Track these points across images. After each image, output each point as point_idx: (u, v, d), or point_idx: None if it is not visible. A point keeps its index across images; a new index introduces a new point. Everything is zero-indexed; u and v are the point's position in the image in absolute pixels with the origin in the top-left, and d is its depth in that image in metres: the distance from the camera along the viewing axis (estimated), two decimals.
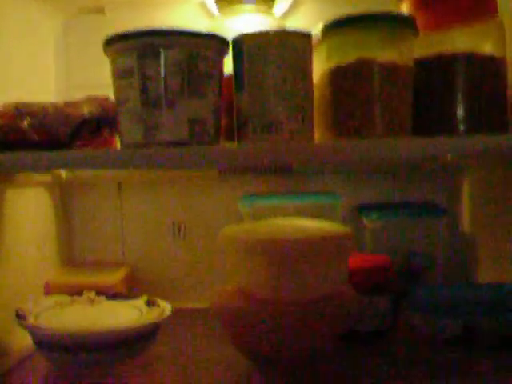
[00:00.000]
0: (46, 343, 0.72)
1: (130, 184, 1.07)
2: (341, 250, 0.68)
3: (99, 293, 0.84)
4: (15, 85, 0.85)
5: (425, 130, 0.67)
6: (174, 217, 1.07)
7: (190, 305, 1.02)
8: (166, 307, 0.79)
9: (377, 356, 0.73)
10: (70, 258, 1.08)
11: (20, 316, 0.74)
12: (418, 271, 0.94)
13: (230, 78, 0.69)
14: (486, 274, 0.93)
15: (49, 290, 0.93)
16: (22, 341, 0.77)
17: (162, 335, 0.79)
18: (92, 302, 0.83)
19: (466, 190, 1.02)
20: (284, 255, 0.65)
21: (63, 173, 1.02)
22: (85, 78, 1.02)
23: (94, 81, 0.89)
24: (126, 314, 0.78)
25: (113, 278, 0.96)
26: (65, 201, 1.07)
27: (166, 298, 0.82)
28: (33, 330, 0.72)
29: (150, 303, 0.81)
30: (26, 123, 0.66)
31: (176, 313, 0.97)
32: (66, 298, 0.83)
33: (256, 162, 0.62)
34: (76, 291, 0.85)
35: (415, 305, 0.74)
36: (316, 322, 0.66)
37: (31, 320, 0.73)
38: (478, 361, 0.68)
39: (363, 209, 0.98)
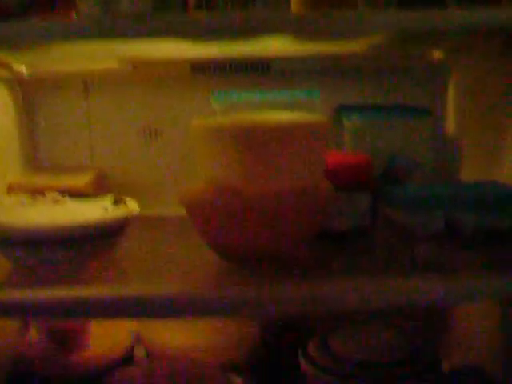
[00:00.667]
0: (5, 240, 0.67)
1: (97, 84, 1.00)
2: (317, 138, 0.63)
3: (63, 193, 0.80)
4: None
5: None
6: (145, 119, 1.01)
7: (162, 211, 0.98)
8: (133, 206, 0.74)
9: (355, 254, 0.70)
10: (34, 163, 1.02)
11: None
12: (401, 174, 0.90)
13: None
14: (470, 177, 0.89)
15: (11, 191, 0.88)
16: None
17: (131, 238, 0.75)
18: (55, 201, 0.78)
19: (451, 91, 0.97)
20: (256, 141, 0.60)
21: (24, 69, 0.95)
22: None
23: None
24: (91, 212, 0.73)
25: (79, 180, 0.91)
26: (27, 101, 1.00)
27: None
28: None
29: (116, 202, 0.76)
30: None
31: (147, 219, 0.94)
32: (27, 198, 0.78)
33: (225, 33, 0.55)
34: (40, 192, 0.80)
35: (396, 201, 0.70)
36: (290, 214, 0.61)
37: None
38: (459, 257, 0.65)
39: (343, 109, 0.93)
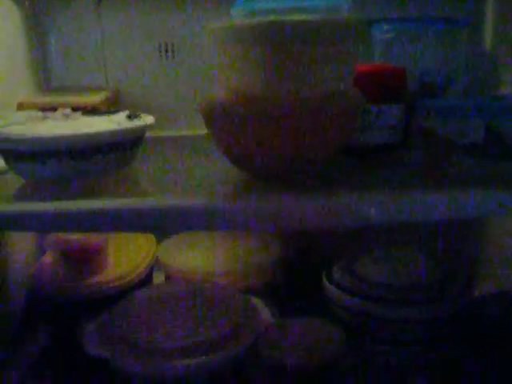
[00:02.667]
0: (15, 153, 0.64)
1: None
2: (348, 37, 0.57)
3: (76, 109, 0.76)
4: None
5: None
6: (161, 35, 0.95)
7: (180, 131, 0.94)
8: (148, 119, 0.70)
9: (387, 168, 0.65)
10: (46, 85, 0.98)
11: None
12: (434, 90, 0.84)
13: None
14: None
15: (22, 110, 0.84)
16: None
17: (147, 155, 0.72)
18: (67, 117, 0.74)
19: (490, 3, 0.89)
20: (279, 40, 0.54)
21: None
22: None
23: None
24: (105, 125, 0.69)
25: (93, 98, 0.86)
26: (38, 20, 0.95)
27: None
28: None
29: (131, 117, 0.72)
30: None
31: (164, 139, 0.90)
32: (38, 114, 0.74)
33: None
34: (51, 110, 0.76)
35: (432, 111, 0.65)
36: (315, 123, 0.56)
37: None
38: (498, 167, 0.60)
39: (373, 22, 0.86)
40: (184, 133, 0.93)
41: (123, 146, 0.65)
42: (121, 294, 0.80)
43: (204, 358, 0.66)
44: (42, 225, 0.58)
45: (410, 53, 0.84)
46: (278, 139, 0.57)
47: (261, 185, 0.60)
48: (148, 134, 0.68)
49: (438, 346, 0.75)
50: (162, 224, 0.55)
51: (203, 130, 0.63)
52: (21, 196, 0.65)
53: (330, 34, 0.56)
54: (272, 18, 0.58)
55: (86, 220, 0.56)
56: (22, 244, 0.88)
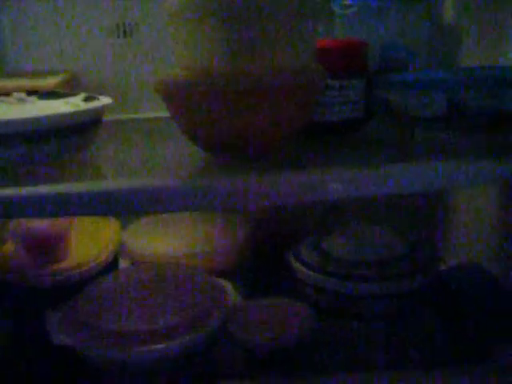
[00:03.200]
0: None
1: None
2: (308, 9, 0.56)
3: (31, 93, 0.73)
4: None
5: None
6: (118, 16, 0.93)
7: (138, 115, 0.92)
8: (105, 100, 0.68)
9: (351, 143, 0.65)
10: (1, 69, 0.95)
11: None
12: (396, 66, 0.83)
13: None
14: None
15: None
16: None
17: (106, 138, 0.71)
18: (22, 101, 0.71)
19: None
20: (237, 13, 0.53)
21: None
22: None
23: None
24: (61, 108, 0.67)
25: (48, 82, 0.83)
26: None
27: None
28: None
29: (88, 99, 0.70)
30: None
31: (122, 122, 0.88)
32: None
33: None
34: (4, 94, 0.73)
35: (394, 86, 0.64)
36: (275, 97, 0.55)
37: None
38: (460, 139, 0.60)
39: None
40: (144, 115, 0.90)
41: (80, 129, 0.63)
42: (85, 280, 0.78)
43: (170, 342, 0.65)
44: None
45: (371, 28, 0.83)
46: (236, 116, 0.55)
47: (222, 163, 0.59)
48: (108, 117, 0.66)
49: (405, 319, 0.76)
50: (122, 207, 0.54)
51: (164, 112, 0.61)
52: None
53: (286, 6, 0.54)
54: None
55: (47, 204, 0.54)
56: None
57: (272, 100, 0.55)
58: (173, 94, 0.57)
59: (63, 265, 0.80)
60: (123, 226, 0.91)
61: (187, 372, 0.69)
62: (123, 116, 0.89)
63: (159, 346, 0.64)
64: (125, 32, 0.93)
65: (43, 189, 0.55)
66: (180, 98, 0.56)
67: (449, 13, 0.90)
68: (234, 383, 0.68)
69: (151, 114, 0.91)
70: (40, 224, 0.81)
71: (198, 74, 0.55)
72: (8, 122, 0.59)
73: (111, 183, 0.56)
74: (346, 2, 0.83)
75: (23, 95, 0.72)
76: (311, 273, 0.76)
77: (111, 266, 0.85)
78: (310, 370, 0.69)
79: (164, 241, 0.88)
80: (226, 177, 0.54)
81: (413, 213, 0.94)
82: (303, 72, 0.57)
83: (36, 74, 0.91)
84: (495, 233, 0.81)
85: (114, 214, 0.87)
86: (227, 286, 0.78)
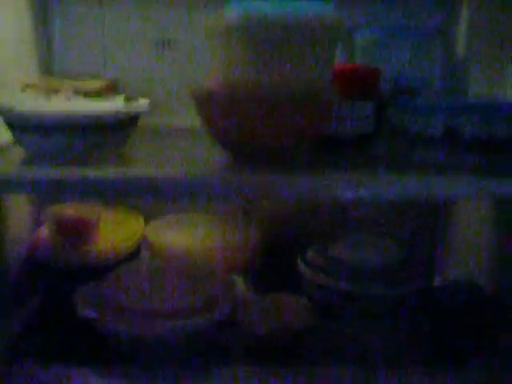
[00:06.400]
0: (19, 126, 0.70)
1: None
2: (327, 33, 0.64)
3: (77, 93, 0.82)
4: None
5: None
6: (159, 28, 1.02)
7: (175, 122, 1.00)
8: (143, 101, 0.76)
9: (360, 155, 0.72)
10: (48, 68, 1.04)
11: None
12: (410, 93, 0.91)
13: None
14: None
15: (26, 91, 0.90)
16: None
17: (141, 139, 0.79)
18: (70, 99, 0.80)
19: (464, 10, 0.97)
20: (266, 35, 0.62)
21: None
22: None
23: None
24: (103, 106, 0.75)
25: (93, 84, 0.92)
26: (43, 7, 1.01)
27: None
28: (7, 112, 0.70)
29: (128, 100, 0.78)
30: None
31: (160, 129, 0.97)
32: (42, 96, 0.81)
33: None
34: (54, 92, 0.82)
35: (400, 108, 0.72)
36: (294, 110, 0.63)
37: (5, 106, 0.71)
38: (456, 159, 0.67)
39: (355, 27, 0.93)
40: (179, 122, 0.99)
41: (120, 125, 0.71)
42: (111, 265, 0.86)
43: (183, 320, 0.72)
44: (39, 189, 0.64)
45: (389, 57, 0.91)
46: (260, 122, 0.64)
47: (243, 162, 0.67)
48: (144, 121, 0.75)
49: (401, 320, 0.82)
50: (147, 192, 0.62)
51: (196, 121, 0.70)
52: (23, 164, 0.72)
53: (309, 32, 0.63)
54: (257, 17, 0.65)
55: (81, 185, 0.63)
56: (19, 215, 0.94)
57: (288, 111, 0.63)
58: (203, 101, 0.66)
59: (92, 249, 0.88)
60: (146, 221, 0.99)
61: (197, 352, 0.76)
62: (158, 121, 0.97)
63: (173, 323, 0.72)
64: (165, 45, 1.02)
65: (77, 172, 0.64)
66: (209, 104, 0.65)
67: (460, 45, 0.97)
68: (240, 367, 0.75)
69: (185, 122, 0.99)
70: (73, 210, 0.90)
71: (227, 86, 0.64)
72: (56, 115, 0.68)
73: (139, 171, 0.64)
74: (366, 33, 0.91)
75: (70, 94, 0.81)
76: (316, 274, 0.83)
77: (134, 255, 0.93)
78: (309, 360, 0.76)
79: (182, 237, 0.95)
80: (245, 173, 0.62)
81: (413, 225, 1.01)
82: (317, 90, 0.65)
83: (81, 76, 1.00)
84: (490, 249, 0.87)
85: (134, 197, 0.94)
86: (238, 280, 0.85)
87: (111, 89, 0.98)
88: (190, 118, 0.86)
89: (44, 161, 0.69)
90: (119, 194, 0.63)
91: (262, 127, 0.64)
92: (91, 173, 0.63)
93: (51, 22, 1.03)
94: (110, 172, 0.63)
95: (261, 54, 0.63)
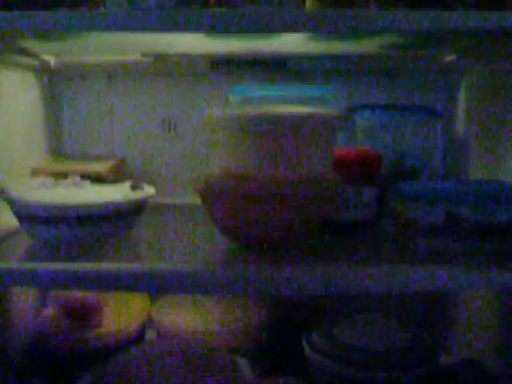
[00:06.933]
0: (27, 216, 0.72)
1: (120, 75, 1.05)
2: (327, 130, 0.66)
3: (85, 178, 0.84)
4: None
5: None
6: (165, 111, 1.05)
7: (178, 200, 1.02)
8: (150, 191, 0.78)
9: (360, 243, 0.73)
10: (57, 149, 1.07)
11: (2, 191, 0.74)
12: (410, 174, 0.92)
13: None
14: (477, 178, 0.92)
15: (34, 175, 0.92)
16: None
17: (147, 222, 0.81)
18: (77, 185, 0.82)
19: (462, 92, 0.99)
20: (268, 131, 0.63)
21: (52, 59, 0.99)
22: None
23: None
24: (110, 195, 0.77)
25: (100, 167, 0.95)
26: (53, 89, 1.05)
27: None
28: (14, 202, 0.72)
29: (134, 187, 0.80)
30: None
31: (163, 206, 0.98)
32: (50, 181, 0.83)
33: (245, 27, 0.59)
34: (62, 177, 0.85)
35: (401, 194, 0.73)
36: (297, 201, 0.65)
37: (13, 195, 0.73)
38: (458, 247, 0.68)
39: (357, 108, 0.96)
40: (182, 201, 1.01)
41: (126, 215, 0.73)
42: (117, 347, 0.86)
43: None
44: (46, 282, 0.65)
45: (390, 138, 0.93)
46: (264, 214, 0.65)
47: (249, 253, 0.68)
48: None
49: None
50: (153, 286, 0.62)
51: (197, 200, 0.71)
52: (29, 255, 0.73)
53: (312, 126, 0.65)
54: (260, 110, 0.67)
55: (86, 279, 0.63)
56: (24, 297, 0.95)
57: (291, 203, 0.65)
58: (207, 194, 0.67)
59: (97, 332, 0.88)
60: (152, 300, 1.00)
61: None
62: (164, 200, 0.99)
63: None
64: (169, 127, 1.05)
65: (82, 265, 0.64)
66: (213, 197, 0.66)
67: (460, 127, 0.99)
68: None
69: (188, 200, 1.01)
70: (78, 293, 0.90)
71: (231, 178, 0.66)
72: (64, 206, 0.69)
73: (143, 265, 0.65)
74: (367, 114, 0.93)
75: (78, 180, 0.83)
76: (322, 359, 0.82)
77: (140, 335, 0.93)
78: None
79: (187, 317, 0.95)
80: (249, 266, 0.63)
81: (416, 307, 1.00)
82: (320, 182, 0.67)
83: (89, 157, 1.03)
84: (495, 330, 0.87)
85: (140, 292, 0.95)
86: (243, 362, 0.85)
87: (118, 170, 1.01)
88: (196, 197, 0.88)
89: (48, 251, 0.70)
90: (124, 289, 0.63)
91: (268, 218, 0.65)
92: (96, 267, 0.64)
93: (62, 105, 1.06)
94: (113, 267, 0.64)
95: (263, 146, 0.65)
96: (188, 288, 0.61)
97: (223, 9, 0.61)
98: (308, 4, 0.64)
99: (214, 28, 0.60)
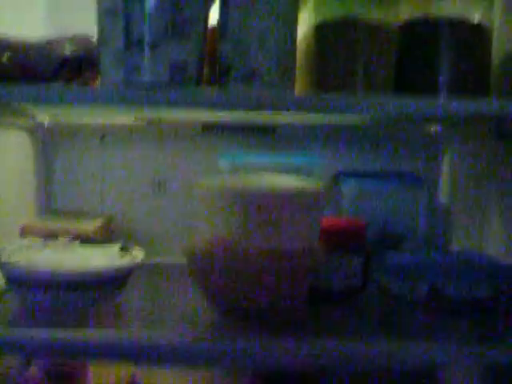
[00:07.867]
0: (15, 280, 0.72)
1: (112, 137, 1.07)
2: (313, 204, 0.68)
3: (74, 238, 0.85)
4: None
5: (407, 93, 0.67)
6: (156, 172, 1.07)
7: (166, 259, 1.03)
8: (138, 254, 0.79)
9: (345, 314, 0.74)
10: (48, 207, 1.08)
11: None
12: (394, 240, 0.94)
13: (214, 29, 0.69)
14: (461, 245, 0.94)
15: (24, 234, 0.93)
16: None
17: (135, 284, 0.81)
18: (65, 246, 0.83)
19: (445, 161, 1.02)
20: (256, 204, 0.65)
21: (46, 119, 1.01)
22: None
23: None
24: (98, 259, 0.78)
25: (90, 225, 0.96)
26: (46, 149, 1.06)
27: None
28: (3, 265, 0.72)
29: (123, 250, 0.81)
30: (5, 58, 0.66)
31: (152, 266, 0.99)
32: (39, 242, 0.83)
33: (232, 107, 0.62)
34: (51, 236, 0.85)
35: (384, 267, 0.75)
36: (283, 272, 0.66)
37: (2, 257, 0.74)
38: (443, 323, 0.69)
39: (341, 176, 0.98)
40: (171, 261, 1.01)
41: (113, 281, 0.73)
42: None
43: None
44: (28, 351, 0.65)
45: (375, 205, 0.95)
46: (251, 284, 0.66)
47: (236, 324, 0.68)
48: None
49: None
50: (139, 358, 0.63)
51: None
52: (12, 321, 0.73)
53: (298, 202, 0.67)
54: (250, 182, 0.69)
55: (70, 349, 0.64)
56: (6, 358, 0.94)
57: (277, 274, 0.66)
58: (195, 261, 0.68)
59: None
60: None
61: None
62: (151, 260, 0.99)
63: None
64: (160, 187, 1.07)
65: (63, 332, 0.65)
66: (200, 265, 0.67)
67: (444, 195, 1.02)
68: None
69: (176, 260, 1.01)
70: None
71: (218, 247, 0.67)
72: (52, 272, 0.70)
73: (126, 334, 0.65)
74: (353, 183, 0.96)
75: (67, 241, 0.84)
76: None
77: None
78: None
79: (174, 379, 0.94)
80: (231, 338, 0.64)
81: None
82: (305, 254, 0.68)
83: (78, 215, 1.04)
84: None
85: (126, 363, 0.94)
86: None
87: (106, 228, 1.02)
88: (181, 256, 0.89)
89: (35, 316, 0.70)
90: (112, 358, 0.63)
91: (254, 288, 0.66)
92: (83, 335, 0.64)
93: (53, 163, 1.08)
94: (102, 335, 0.64)
95: (250, 218, 0.66)
96: (173, 361, 0.62)
97: (215, 88, 0.64)
98: (298, 85, 0.66)
99: (207, 106, 0.62)
